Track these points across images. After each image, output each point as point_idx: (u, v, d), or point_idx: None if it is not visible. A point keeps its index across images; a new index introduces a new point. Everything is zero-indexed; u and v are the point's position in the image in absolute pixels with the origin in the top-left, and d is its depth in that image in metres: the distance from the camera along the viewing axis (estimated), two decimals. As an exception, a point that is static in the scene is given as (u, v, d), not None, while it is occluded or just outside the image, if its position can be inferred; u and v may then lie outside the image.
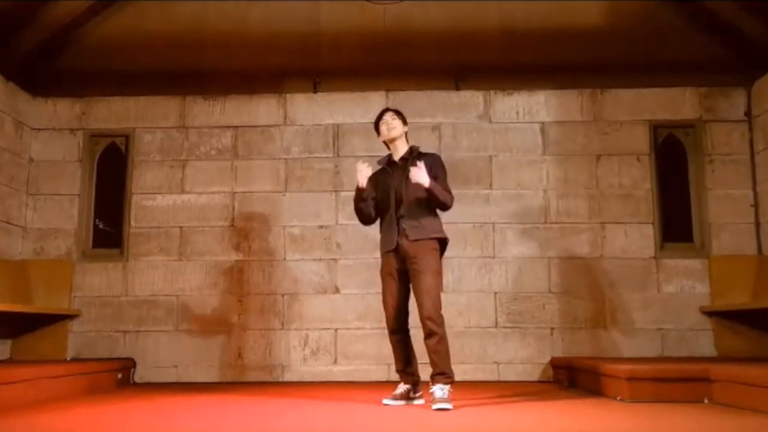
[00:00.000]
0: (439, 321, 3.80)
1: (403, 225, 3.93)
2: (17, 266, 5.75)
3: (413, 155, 4.05)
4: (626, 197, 5.85)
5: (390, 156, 4.16)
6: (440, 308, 3.82)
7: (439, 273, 3.91)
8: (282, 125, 6.06)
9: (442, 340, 3.80)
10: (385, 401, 3.93)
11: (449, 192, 3.98)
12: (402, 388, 4.00)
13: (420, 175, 3.83)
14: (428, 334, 3.79)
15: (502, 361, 5.66)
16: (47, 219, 5.96)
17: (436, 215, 4.00)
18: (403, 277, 3.98)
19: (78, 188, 6.01)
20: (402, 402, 3.94)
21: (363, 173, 3.97)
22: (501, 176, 5.92)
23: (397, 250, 3.94)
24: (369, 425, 3.17)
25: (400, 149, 4.11)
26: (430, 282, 3.83)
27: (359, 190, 4.00)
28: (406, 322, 4.01)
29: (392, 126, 4.09)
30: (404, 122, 4.15)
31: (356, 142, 6.00)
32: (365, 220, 4.12)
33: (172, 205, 5.96)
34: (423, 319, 3.80)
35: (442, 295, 3.90)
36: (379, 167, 4.16)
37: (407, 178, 3.94)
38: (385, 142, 4.17)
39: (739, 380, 3.63)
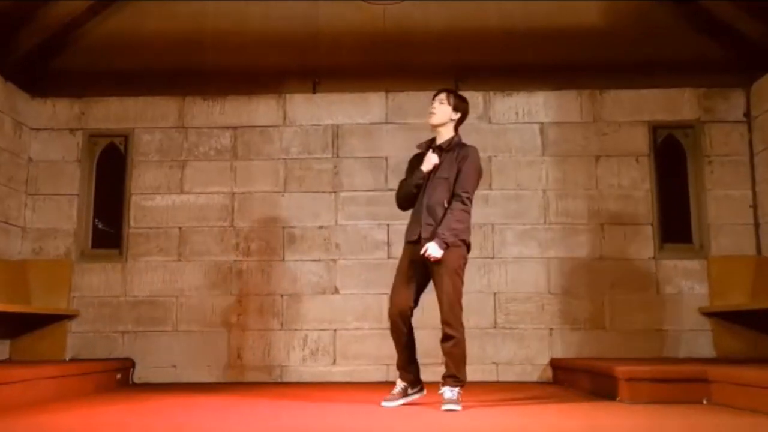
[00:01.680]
0: (457, 324, 3.71)
1: (424, 220, 3.83)
2: (16, 266, 5.75)
3: (451, 145, 3.90)
4: (625, 198, 5.85)
5: (433, 140, 4.01)
6: (460, 311, 3.73)
7: (457, 273, 3.76)
8: (281, 126, 6.06)
9: (459, 343, 3.73)
10: (384, 403, 3.84)
11: (464, 192, 3.81)
12: (399, 386, 3.92)
13: (432, 254, 3.71)
14: (445, 337, 3.74)
15: (501, 362, 5.66)
16: (46, 219, 5.96)
17: None
18: (420, 271, 3.84)
19: (77, 188, 6.01)
20: (401, 401, 3.87)
21: (433, 162, 3.83)
22: (500, 177, 5.92)
23: (419, 244, 3.81)
24: (369, 426, 3.17)
25: (444, 136, 3.95)
26: (449, 284, 3.72)
27: (420, 178, 3.87)
28: (410, 319, 3.87)
29: (433, 112, 3.93)
30: (455, 108, 3.93)
31: (355, 142, 6.00)
32: (407, 206, 3.98)
33: (171, 206, 5.96)
34: (441, 322, 3.74)
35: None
36: (418, 150, 4.05)
37: (435, 170, 3.87)
38: None
39: (738, 381, 3.63)
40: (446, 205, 3.82)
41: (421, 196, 3.89)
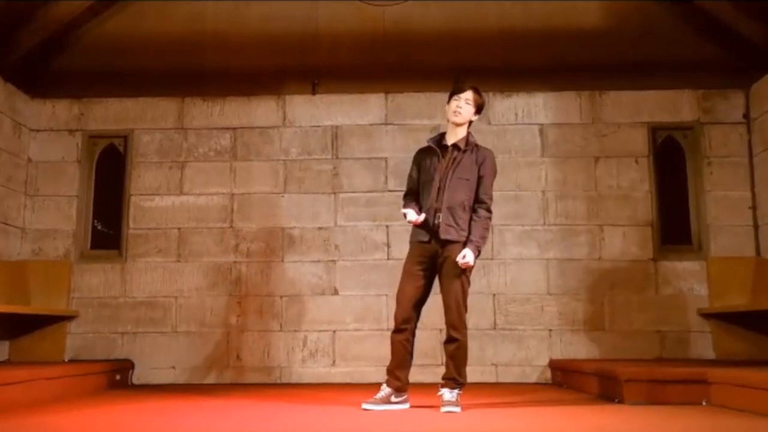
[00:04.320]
0: (462, 327, 3.71)
1: (438, 221, 3.76)
2: (15, 267, 5.74)
3: (468, 146, 3.86)
4: (625, 199, 5.85)
5: (442, 136, 3.96)
6: (465, 313, 3.74)
7: (467, 276, 3.76)
8: (281, 126, 6.06)
9: (462, 347, 3.72)
10: (365, 406, 3.74)
11: (489, 199, 3.83)
12: (384, 391, 3.78)
13: (470, 262, 3.69)
14: (449, 339, 3.74)
15: (500, 363, 5.66)
16: (45, 220, 5.95)
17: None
18: (429, 273, 3.81)
19: (76, 189, 6.01)
20: (382, 407, 3.71)
21: (413, 221, 3.79)
22: (500, 178, 5.75)
23: (430, 243, 3.78)
24: (368, 428, 3.17)
25: (458, 134, 3.88)
26: (459, 286, 3.71)
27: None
28: (416, 324, 3.82)
29: (460, 112, 3.85)
30: (477, 110, 3.91)
31: (355, 143, 6.00)
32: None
33: (171, 206, 5.96)
34: (446, 324, 3.73)
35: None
36: (426, 144, 3.98)
37: (453, 169, 3.80)
38: None
39: (737, 382, 3.63)
40: (466, 207, 3.79)
41: (437, 194, 3.80)
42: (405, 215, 3.85)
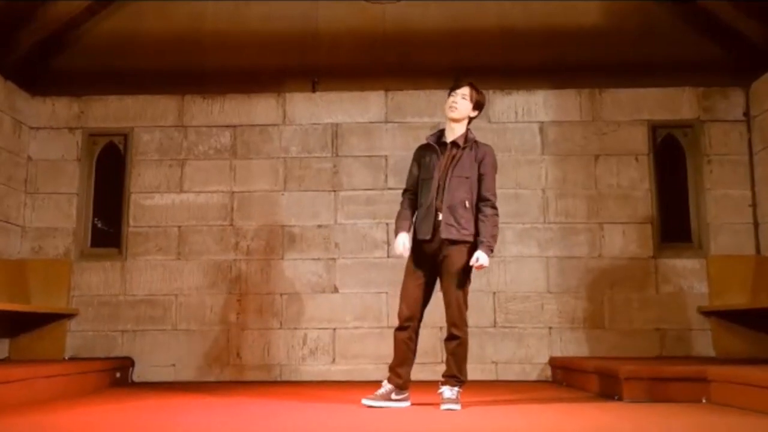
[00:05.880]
0: (463, 325, 3.71)
1: (439, 219, 3.73)
2: (15, 265, 5.74)
3: (468, 142, 3.84)
4: (625, 197, 5.85)
5: (442, 132, 3.94)
6: (466, 311, 3.75)
7: (468, 274, 3.75)
8: (281, 125, 6.05)
9: (463, 344, 3.72)
10: (365, 401, 3.75)
11: (492, 196, 3.80)
12: (385, 387, 3.79)
13: (484, 264, 3.67)
14: (449, 337, 3.74)
15: (500, 361, 5.66)
16: (45, 218, 5.95)
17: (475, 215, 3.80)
18: (430, 272, 3.81)
19: (76, 187, 6.01)
20: (382, 403, 3.73)
21: (401, 252, 3.83)
22: (500, 176, 5.70)
23: (431, 242, 3.76)
24: (368, 425, 3.17)
25: (456, 131, 3.86)
26: (459, 284, 3.71)
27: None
28: (419, 322, 3.82)
29: (455, 107, 3.83)
30: (475, 106, 3.88)
31: (355, 141, 6.00)
32: None
33: (171, 205, 5.96)
34: (447, 322, 3.74)
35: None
36: (425, 142, 3.95)
37: (453, 168, 3.78)
38: None
39: (737, 380, 3.64)
40: (467, 205, 3.76)
41: (437, 193, 3.78)
42: (396, 236, 3.88)
